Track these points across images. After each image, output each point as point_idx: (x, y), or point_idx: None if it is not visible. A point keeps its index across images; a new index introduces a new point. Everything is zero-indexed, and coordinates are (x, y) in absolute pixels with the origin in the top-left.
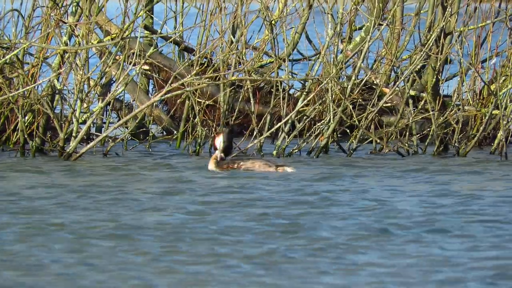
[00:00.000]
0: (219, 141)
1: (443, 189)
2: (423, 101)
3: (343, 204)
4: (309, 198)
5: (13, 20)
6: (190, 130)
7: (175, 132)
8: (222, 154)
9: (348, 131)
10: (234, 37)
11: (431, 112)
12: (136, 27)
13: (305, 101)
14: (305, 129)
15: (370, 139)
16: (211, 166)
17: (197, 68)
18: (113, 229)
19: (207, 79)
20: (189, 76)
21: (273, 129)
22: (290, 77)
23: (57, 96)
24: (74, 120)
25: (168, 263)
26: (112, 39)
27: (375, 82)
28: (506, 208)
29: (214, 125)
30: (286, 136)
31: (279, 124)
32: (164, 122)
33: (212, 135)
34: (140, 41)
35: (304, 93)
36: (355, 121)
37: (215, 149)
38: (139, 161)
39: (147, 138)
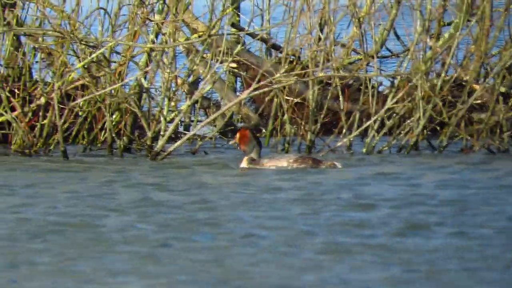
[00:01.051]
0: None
1: None
2: None
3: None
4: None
5: (100, 18)
6: (278, 128)
7: (263, 130)
8: (252, 155)
9: (438, 128)
10: (322, 34)
11: None
12: (223, 25)
13: (395, 99)
14: (394, 127)
15: (461, 136)
16: (244, 164)
17: (285, 65)
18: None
19: (295, 77)
20: (277, 73)
21: (362, 127)
22: (379, 74)
23: (144, 95)
24: (161, 118)
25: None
26: (199, 36)
27: (464, 79)
28: None
29: (303, 123)
30: (376, 134)
31: (368, 122)
32: (252, 120)
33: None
34: (227, 39)
35: (393, 90)
36: (445, 118)
37: (244, 151)
38: (227, 159)
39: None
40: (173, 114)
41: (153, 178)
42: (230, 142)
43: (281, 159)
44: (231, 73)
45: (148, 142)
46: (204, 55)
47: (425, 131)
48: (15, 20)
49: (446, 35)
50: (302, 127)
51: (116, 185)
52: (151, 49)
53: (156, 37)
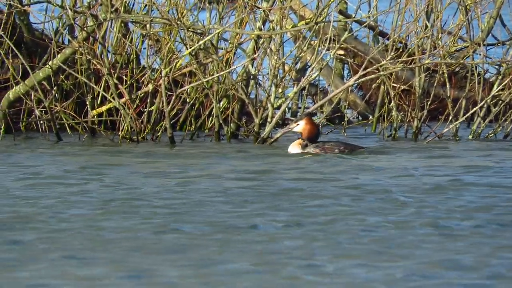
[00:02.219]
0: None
1: None
2: None
3: None
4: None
5: (207, 6)
6: (385, 115)
7: (370, 116)
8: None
9: None
10: (428, 21)
11: None
12: (330, 12)
13: (501, 86)
14: (500, 114)
15: None
16: (295, 149)
17: (392, 52)
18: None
19: (402, 64)
20: (384, 60)
21: (468, 114)
22: (485, 61)
23: (251, 81)
24: (269, 105)
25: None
26: (306, 23)
27: None
28: None
29: (409, 110)
30: (482, 121)
31: (474, 109)
32: (359, 107)
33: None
34: (334, 26)
35: (499, 77)
36: None
37: (304, 138)
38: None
39: (342, 123)
40: (280, 101)
41: (261, 164)
42: (295, 129)
43: (329, 146)
44: (338, 60)
45: (255, 129)
46: (311, 42)
47: None
48: (123, 7)
49: None
50: (409, 113)
51: (222, 170)
52: (259, 36)
53: (264, 24)
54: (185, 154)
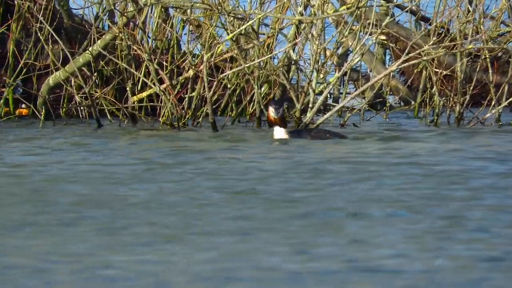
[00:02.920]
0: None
1: None
2: None
3: None
4: None
5: None
6: (427, 100)
7: (412, 102)
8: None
9: None
10: (471, 6)
11: None
12: None
13: None
14: None
15: None
16: (283, 135)
17: (434, 37)
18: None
19: (444, 49)
20: (426, 45)
21: (511, 99)
22: None
23: (293, 67)
24: (310, 90)
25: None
26: (347, 8)
27: None
28: None
29: (452, 95)
30: None
31: None
32: (401, 92)
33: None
34: (376, 11)
35: None
36: None
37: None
38: (376, 132)
39: (384, 108)
40: (321, 86)
41: (300, 149)
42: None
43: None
44: (380, 45)
45: (297, 114)
46: (353, 27)
47: None
48: None
49: None
50: (451, 99)
51: (264, 155)
52: (300, 21)
53: (305, 9)
54: (224, 139)
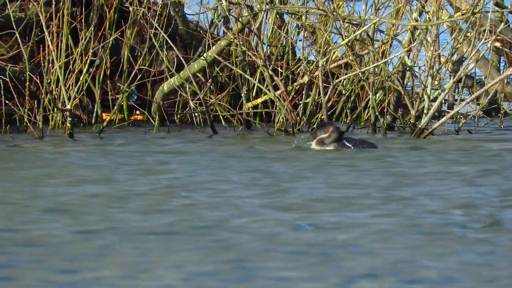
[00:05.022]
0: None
1: None
2: None
3: None
4: None
5: None
6: None
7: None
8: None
9: None
10: None
11: None
12: (486, 3)
13: None
14: None
15: None
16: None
17: None
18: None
19: None
20: None
21: None
22: None
23: (407, 73)
24: (425, 96)
25: None
26: (462, 14)
27: None
28: None
29: None
30: None
31: None
32: None
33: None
34: (491, 17)
35: None
36: None
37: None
38: (490, 138)
39: (499, 115)
40: (436, 92)
41: (415, 156)
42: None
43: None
44: (494, 51)
45: (412, 120)
46: (468, 34)
47: None
48: None
49: None
50: None
51: (380, 162)
52: (415, 27)
53: (420, 15)
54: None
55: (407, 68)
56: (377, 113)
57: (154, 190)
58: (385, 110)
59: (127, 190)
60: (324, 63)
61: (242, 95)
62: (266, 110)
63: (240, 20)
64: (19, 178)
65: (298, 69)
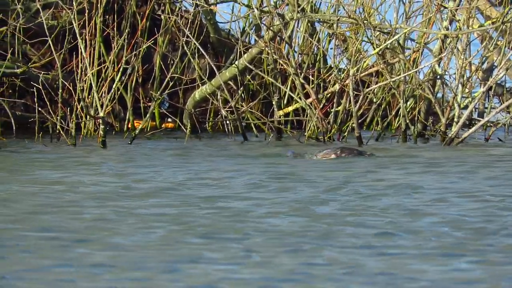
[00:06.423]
0: None
1: None
2: None
3: None
4: None
5: (394, 5)
6: None
7: None
8: None
9: None
10: None
11: None
12: None
13: None
14: None
15: None
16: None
17: None
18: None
19: None
20: None
21: None
22: None
23: (438, 81)
24: (455, 105)
25: None
26: (492, 23)
27: None
28: None
29: None
30: None
31: None
32: None
33: None
34: None
35: None
36: None
37: None
38: None
39: None
40: (467, 101)
41: (451, 164)
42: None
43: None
44: None
45: (442, 128)
46: (498, 42)
47: None
48: (309, 7)
49: None
50: None
51: (412, 169)
52: (445, 36)
53: (450, 23)
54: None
55: (438, 76)
56: (407, 121)
57: (186, 199)
58: (416, 118)
59: (161, 201)
60: (355, 71)
61: (273, 103)
62: (297, 118)
63: (271, 28)
64: (49, 183)
65: (329, 77)
